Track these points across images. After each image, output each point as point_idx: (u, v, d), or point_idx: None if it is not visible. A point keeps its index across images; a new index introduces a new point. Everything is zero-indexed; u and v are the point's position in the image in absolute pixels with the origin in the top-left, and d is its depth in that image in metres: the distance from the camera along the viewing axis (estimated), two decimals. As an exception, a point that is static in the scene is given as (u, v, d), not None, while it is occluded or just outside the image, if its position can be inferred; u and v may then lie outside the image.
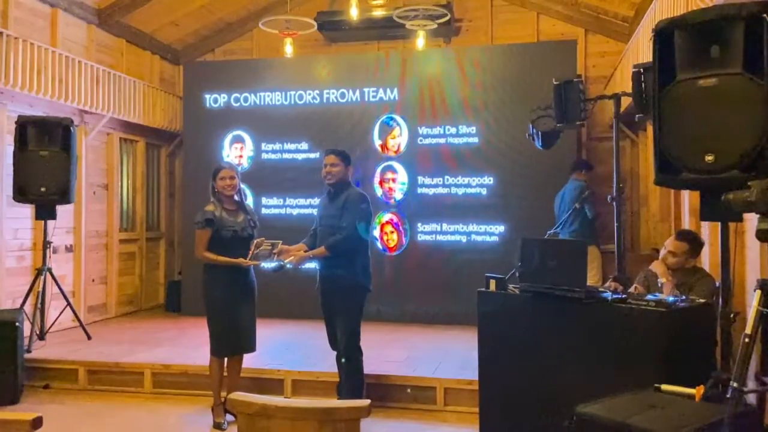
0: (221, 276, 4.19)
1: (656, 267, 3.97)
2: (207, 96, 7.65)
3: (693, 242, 3.93)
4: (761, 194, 2.11)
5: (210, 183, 4.37)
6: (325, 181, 4.26)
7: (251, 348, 4.36)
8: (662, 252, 4.05)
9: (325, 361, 5.05)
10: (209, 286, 4.24)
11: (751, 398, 2.62)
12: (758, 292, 2.33)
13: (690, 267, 3.91)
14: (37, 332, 5.63)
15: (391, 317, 6.70)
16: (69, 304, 5.88)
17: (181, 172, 8.20)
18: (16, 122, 5.46)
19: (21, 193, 5.41)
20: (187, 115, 7.83)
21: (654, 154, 2.72)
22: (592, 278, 5.79)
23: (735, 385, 2.21)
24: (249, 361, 5.29)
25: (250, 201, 7.46)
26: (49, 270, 5.67)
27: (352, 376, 4.18)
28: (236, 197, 4.35)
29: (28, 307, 5.53)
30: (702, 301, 3.30)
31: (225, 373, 4.36)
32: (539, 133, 5.09)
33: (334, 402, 2.03)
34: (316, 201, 7.25)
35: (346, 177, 4.28)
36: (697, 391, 2.42)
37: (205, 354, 5.38)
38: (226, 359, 4.34)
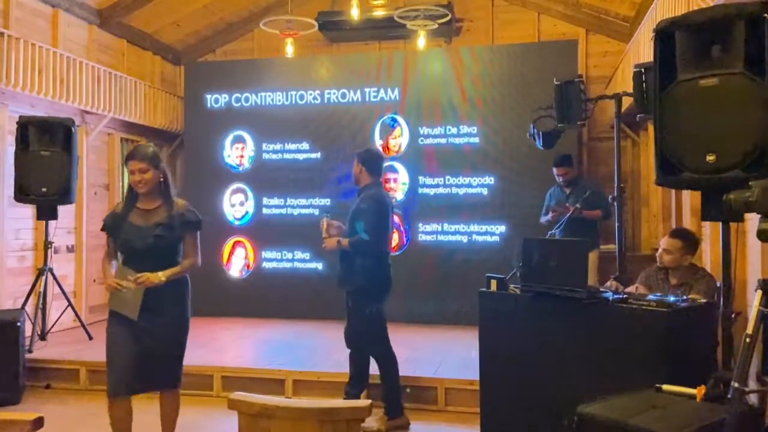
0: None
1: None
2: (208, 96, 7.66)
3: (686, 239, 3.94)
4: (762, 194, 2.10)
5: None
6: None
7: (156, 386, 3.34)
8: (659, 251, 4.07)
9: (326, 361, 5.06)
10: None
11: (753, 398, 2.62)
12: (759, 292, 2.33)
13: (688, 265, 3.91)
14: (39, 332, 5.63)
15: (392, 317, 6.62)
16: (70, 304, 5.89)
17: (183, 172, 8.21)
18: (17, 122, 5.46)
19: (22, 194, 5.41)
20: (188, 115, 7.84)
21: (655, 154, 2.72)
22: None
23: (736, 385, 2.21)
24: (249, 361, 5.31)
25: (250, 202, 7.51)
26: (51, 270, 5.67)
27: (383, 378, 4.22)
28: (170, 192, 3.36)
29: (29, 308, 5.54)
30: (703, 301, 3.30)
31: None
32: (540, 133, 5.10)
33: (335, 402, 2.03)
34: (317, 201, 7.33)
35: (364, 178, 4.25)
36: (699, 392, 2.41)
37: (205, 354, 5.40)
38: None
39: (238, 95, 7.59)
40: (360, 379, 4.21)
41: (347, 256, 4.14)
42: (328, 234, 4.23)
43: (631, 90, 4.28)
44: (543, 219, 5.96)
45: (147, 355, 3.17)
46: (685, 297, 3.31)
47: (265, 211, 7.46)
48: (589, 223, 5.69)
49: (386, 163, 7.17)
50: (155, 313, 3.18)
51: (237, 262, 7.53)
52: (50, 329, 5.81)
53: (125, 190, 7.07)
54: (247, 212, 7.55)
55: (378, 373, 4.26)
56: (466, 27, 7.88)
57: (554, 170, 5.97)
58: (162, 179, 3.33)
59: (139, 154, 3.28)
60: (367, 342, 4.20)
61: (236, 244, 7.54)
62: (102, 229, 3.36)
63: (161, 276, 3.15)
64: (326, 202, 7.22)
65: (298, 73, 7.54)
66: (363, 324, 4.15)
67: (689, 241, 3.94)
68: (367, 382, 4.25)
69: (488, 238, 6.86)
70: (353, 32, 7.72)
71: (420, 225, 7.05)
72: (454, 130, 7.03)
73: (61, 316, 5.92)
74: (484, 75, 7.01)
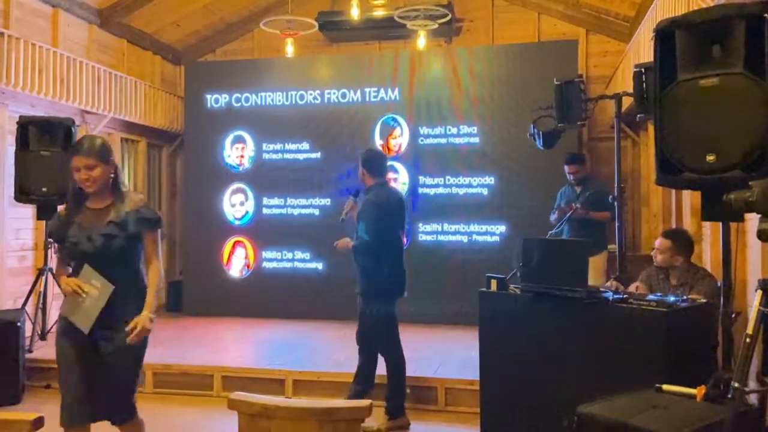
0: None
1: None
2: (208, 96, 7.66)
3: (676, 239, 3.95)
4: (762, 194, 2.11)
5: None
6: None
7: (108, 416, 2.94)
8: (653, 250, 4.09)
9: (326, 361, 5.06)
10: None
11: (753, 398, 2.62)
12: (759, 292, 2.33)
13: (681, 264, 3.91)
14: (39, 332, 5.63)
15: (392, 317, 6.68)
16: (70, 304, 5.88)
17: (183, 172, 8.22)
18: (17, 122, 5.46)
19: (22, 194, 5.41)
20: (188, 115, 7.84)
21: (655, 154, 2.71)
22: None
23: (736, 385, 2.21)
24: (249, 361, 5.30)
25: (250, 202, 7.51)
26: (51, 270, 5.67)
27: (389, 377, 4.23)
28: (121, 188, 2.90)
29: (29, 307, 5.54)
30: (703, 300, 3.30)
31: None
32: (540, 133, 5.10)
33: (335, 402, 2.03)
34: (318, 201, 7.33)
35: (368, 179, 4.26)
36: (699, 392, 2.41)
37: (205, 354, 5.40)
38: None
39: (238, 95, 7.59)
40: (364, 377, 4.19)
41: (355, 258, 4.19)
42: (346, 216, 4.28)
43: (631, 90, 4.27)
44: (552, 218, 5.97)
45: (100, 380, 2.84)
46: (685, 297, 3.32)
47: (265, 211, 7.46)
48: (596, 224, 5.61)
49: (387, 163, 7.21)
50: (113, 330, 2.76)
51: (237, 262, 7.53)
52: (50, 329, 5.79)
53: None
54: (247, 212, 7.55)
55: (381, 373, 4.25)
56: (466, 27, 7.87)
57: (565, 168, 5.97)
58: (112, 175, 2.85)
59: (85, 148, 2.78)
60: (373, 341, 4.21)
61: (236, 244, 7.54)
62: (49, 237, 2.90)
63: (150, 316, 2.77)
64: (326, 202, 7.23)
65: (298, 73, 7.54)
66: (366, 324, 4.18)
67: (680, 241, 3.95)
68: (373, 382, 4.24)
69: (488, 238, 6.86)
70: (353, 32, 7.72)
71: (420, 225, 7.05)
72: (454, 130, 7.03)
73: (61, 316, 5.92)
74: (484, 75, 7.01)
